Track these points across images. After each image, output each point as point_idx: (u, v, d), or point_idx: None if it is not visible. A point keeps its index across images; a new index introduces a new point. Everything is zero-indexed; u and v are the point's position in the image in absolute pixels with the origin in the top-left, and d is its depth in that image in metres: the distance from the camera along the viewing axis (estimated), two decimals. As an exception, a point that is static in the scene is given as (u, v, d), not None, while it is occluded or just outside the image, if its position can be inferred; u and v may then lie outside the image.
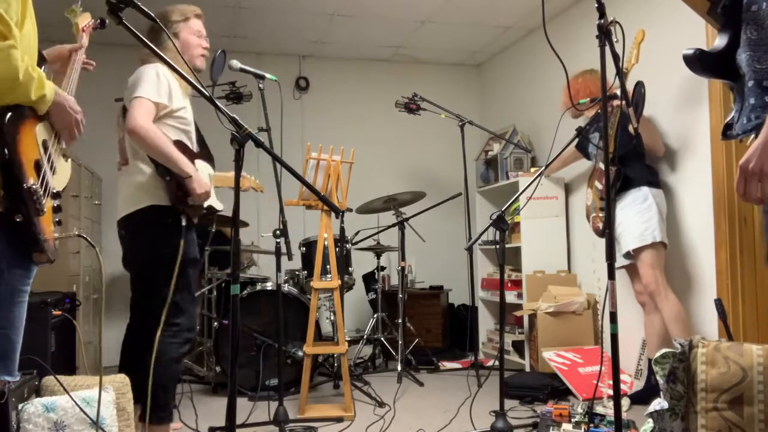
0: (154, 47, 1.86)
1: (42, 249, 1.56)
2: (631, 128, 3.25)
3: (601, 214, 3.44)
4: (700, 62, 1.73)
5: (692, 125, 3.39)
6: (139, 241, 2.60)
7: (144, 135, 2.46)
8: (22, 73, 1.47)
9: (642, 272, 3.28)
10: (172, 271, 2.54)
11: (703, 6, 1.79)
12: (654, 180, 3.41)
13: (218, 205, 2.85)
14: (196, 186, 2.56)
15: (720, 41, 1.70)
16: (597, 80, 3.58)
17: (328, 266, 3.44)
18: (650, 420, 2.21)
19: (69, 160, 1.83)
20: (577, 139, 3.60)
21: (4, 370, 1.55)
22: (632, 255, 3.31)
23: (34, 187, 1.52)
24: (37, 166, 1.57)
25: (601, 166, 3.44)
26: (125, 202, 2.60)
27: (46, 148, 1.64)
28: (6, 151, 1.46)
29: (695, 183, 3.37)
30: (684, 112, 3.45)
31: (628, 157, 3.34)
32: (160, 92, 2.54)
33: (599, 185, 3.46)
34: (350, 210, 3.92)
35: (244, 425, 3.03)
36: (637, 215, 3.29)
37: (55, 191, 1.66)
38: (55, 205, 1.65)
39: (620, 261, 3.39)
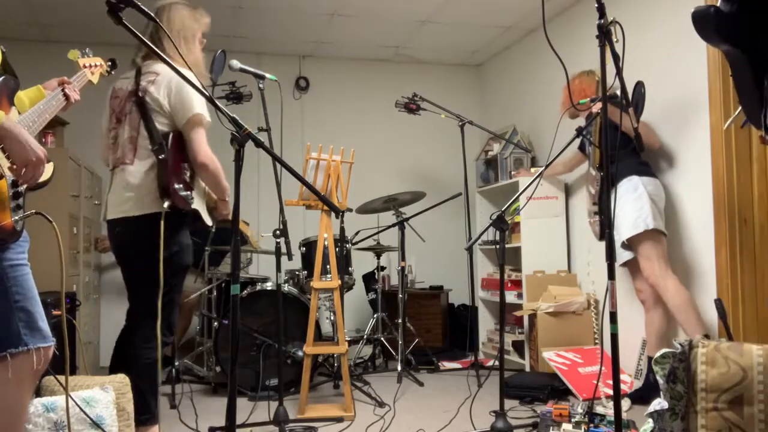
0: (154, 48, 1.86)
1: None
2: (624, 128, 3.25)
3: (594, 219, 3.46)
4: (715, 22, 1.48)
5: (692, 125, 3.39)
6: (142, 245, 2.56)
7: (213, 169, 2.58)
8: None
9: (641, 265, 3.28)
10: (172, 272, 2.57)
11: None
12: (643, 169, 3.40)
13: (208, 221, 2.81)
14: (223, 207, 2.76)
15: (727, 4, 1.50)
16: (593, 82, 3.59)
17: (328, 266, 3.44)
18: (650, 420, 2.21)
19: (51, 163, 1.87)
20: (578, 140, 3.62)
21: (40, 339, 1.74)
22: (628, 246, 3.31)
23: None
24: None
25: (592, 172, 3.46)
26: (138, 202, 2.55)
27: None
28: None
29: (695, 183, 3.37)
30: (684, 112, 3.45)
31: (616, 152, 3.34)
32: (204, 108, 2.59)
33: (591, 190, 3.47)
34: (350, 210, 3.92)
35: (244, 425, 3.03)
36: (629, 204, 3.29)
37: (11, 179, 1.69)
38: (12, 192, 1.69)
39: (621, 257, 3.38)
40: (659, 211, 3.31)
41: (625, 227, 3.28)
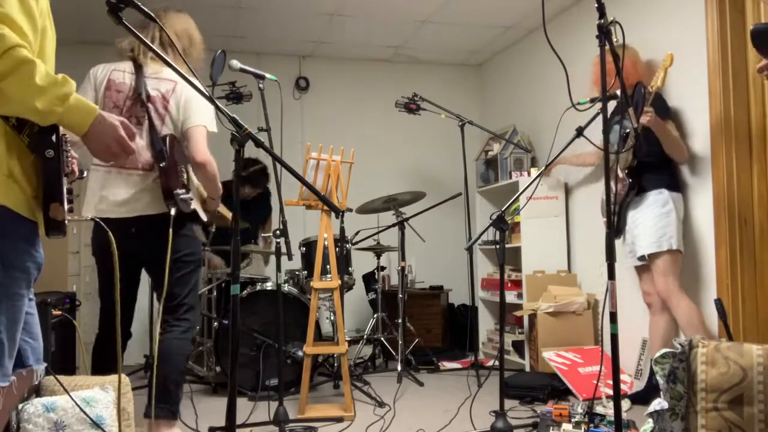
0: (154, 48, 1.86)
1: (62, 201, 1.47)
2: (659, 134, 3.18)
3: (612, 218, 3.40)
4: None
5: (692, 125, 3.39)
6: (161, 242, 2.55)
7: (212, 169, 2.64)
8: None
9: (655, 279, 3.23)
10: (192, 271, 2.68)
11: None
12: (673, 183, 3.32)
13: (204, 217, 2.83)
14: (213, 204, 2.78)
15: None
16: (631, 57, 3.37)
17: (328, 266, 3.44)
18: (650, 420, 2.21)
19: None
20: (581, 138, 3.56)
21: None
22: (647, 258, 3.28)
23: (67, 138, 1.47)
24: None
25: (619, 173, 3.37)
26: (152, 202, 2.57)
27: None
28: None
29: (695, 183, 3.36)
30: (684, 112, 3.45)
31: (649, 159, 3.27)
32: (214, 124, 2.67)
33: (613, 187, 3.41)
34: (350, 210, 3.92)
35: (244, 425, 3.03)
36: (656, 219, 3.21)
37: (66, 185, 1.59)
38: (67, 187, 1.55)
39: (634, 262, 3.36)
40: (681, 228, 3.25)
41: (646, 241, 3.21)
